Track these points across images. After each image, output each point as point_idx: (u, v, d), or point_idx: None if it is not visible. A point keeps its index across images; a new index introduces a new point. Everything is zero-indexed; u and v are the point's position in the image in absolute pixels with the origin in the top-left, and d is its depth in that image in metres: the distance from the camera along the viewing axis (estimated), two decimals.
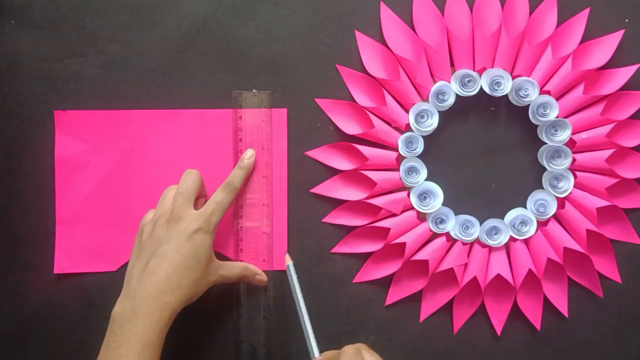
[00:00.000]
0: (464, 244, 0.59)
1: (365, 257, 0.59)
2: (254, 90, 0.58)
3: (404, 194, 0.59)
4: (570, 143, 0.59)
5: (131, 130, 0.58)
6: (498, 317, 0.60)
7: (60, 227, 0.58)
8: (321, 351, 0.49)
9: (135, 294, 0.49)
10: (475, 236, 0.59)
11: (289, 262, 0.55)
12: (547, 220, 0.59)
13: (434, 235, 0.59)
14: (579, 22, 0.58)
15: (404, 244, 0.58)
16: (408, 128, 0.58)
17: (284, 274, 0.58)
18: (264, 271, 0.58)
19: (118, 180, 0.58)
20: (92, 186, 0.58)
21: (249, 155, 0.57)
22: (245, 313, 0.58)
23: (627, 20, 0.59)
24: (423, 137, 0.58)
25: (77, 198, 0.58)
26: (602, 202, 0.58)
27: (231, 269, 0.55)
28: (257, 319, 0.58)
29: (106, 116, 0.58)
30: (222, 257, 0.58)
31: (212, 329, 0.59)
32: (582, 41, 0.58)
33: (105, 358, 0.47)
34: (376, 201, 0.58)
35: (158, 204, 0.55)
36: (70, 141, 0.58)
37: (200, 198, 0.55)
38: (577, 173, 0.59)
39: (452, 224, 0.59)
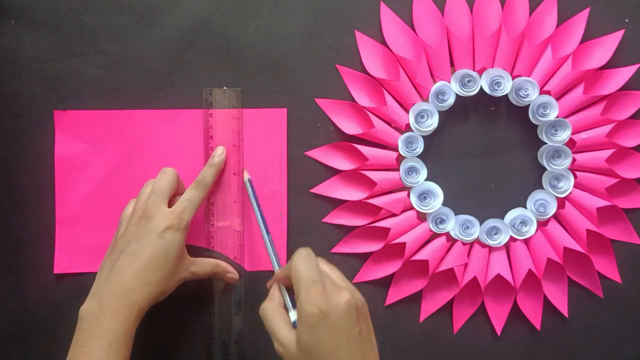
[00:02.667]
0: (464, 244, 0.59)
1: (365, 257, 0.59)
2: (224, 88, 0.58)
3: (404, 194, 0.59)
4: (570, 143, 0.59)
5: (131, 130, 0.58)
6: (498, 317, 0.60)
7: (60, 227, 0.58)
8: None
9: (103, 291, 0.49)
10: (475, 236, 0.59)
11: (247, 177, 0.56)
12: (547, 220, 0.59)
13: (434, 235, 0.59)
14: (579, 22, 0.58)
15: (404, 244, 0.58)
16: (408, 128, 0.58)
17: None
18: (236, 269, 0.58)
19: (118, 180, 0.58)
20: (92, 186, 0.58)
21: (219, 152, 0.57)
22: (217, 311, 0.58)
23: (627, 20, 0.59)
24: (423, 137, 0.58)
25: (77, 198, 0.58)
26: (602, 202, 0.58)
27: (202, 265, 0.55)
28: (229, 316, 0.58)
29: (106, 116, 0.58)
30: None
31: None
32: (582, 41, 0.58)
33: (72, 356, 0.47)
34: (376, 201, 0.58)
35: (136, 201, 0.55)
36: (70, 141, 0.58)
37: (177, 196, 0.55)
38: (577, 173, 0.59)
39: (452, 224, 0.59)
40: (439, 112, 0.58)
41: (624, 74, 0.58)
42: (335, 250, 0.59)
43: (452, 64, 0.58)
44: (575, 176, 0.59)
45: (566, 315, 0.60)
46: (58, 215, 0.58)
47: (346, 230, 0.59)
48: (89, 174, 0.58)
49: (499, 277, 0.58)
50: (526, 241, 0.60)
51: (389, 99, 0.58)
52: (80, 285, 0.58)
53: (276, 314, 0.47)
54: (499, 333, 0.60)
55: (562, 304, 0.60)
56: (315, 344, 0.42)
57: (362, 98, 0.58)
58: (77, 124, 0.58)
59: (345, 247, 0.59)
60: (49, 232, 0.58)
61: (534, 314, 0.60)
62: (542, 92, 0.58)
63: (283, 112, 0.58)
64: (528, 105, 0.58)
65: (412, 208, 0.59)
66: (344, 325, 0.43)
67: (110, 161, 0.58)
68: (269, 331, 0.46)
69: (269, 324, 0.46)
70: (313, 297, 0.42)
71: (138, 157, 0.58)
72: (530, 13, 0.58)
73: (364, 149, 0.58)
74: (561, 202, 0.59)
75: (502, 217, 0.60)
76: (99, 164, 0.58)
